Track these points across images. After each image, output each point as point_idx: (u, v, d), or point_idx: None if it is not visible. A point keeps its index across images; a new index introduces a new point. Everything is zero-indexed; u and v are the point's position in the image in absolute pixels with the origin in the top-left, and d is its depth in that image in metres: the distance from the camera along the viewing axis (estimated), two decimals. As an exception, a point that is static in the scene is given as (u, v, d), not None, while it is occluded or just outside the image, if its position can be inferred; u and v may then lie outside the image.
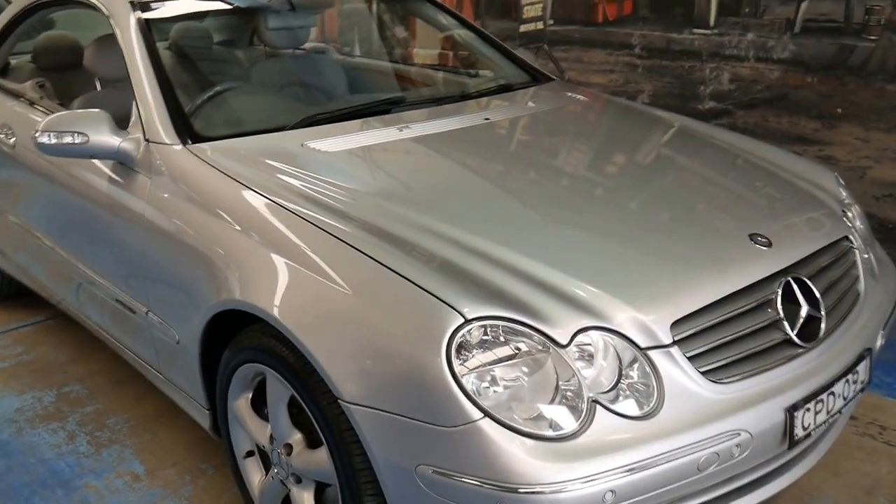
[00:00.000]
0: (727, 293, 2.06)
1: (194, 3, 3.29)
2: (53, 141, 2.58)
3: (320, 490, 2.29)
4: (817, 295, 2.21)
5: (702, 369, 1.97)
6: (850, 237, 2.51)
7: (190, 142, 2.60)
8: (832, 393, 2.15)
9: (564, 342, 1.87)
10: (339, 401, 1.94)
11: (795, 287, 2.18)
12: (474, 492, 1.78)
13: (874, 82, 3.97)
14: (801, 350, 2.13)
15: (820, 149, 4.16)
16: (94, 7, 3.07)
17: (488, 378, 1.83)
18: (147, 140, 2.63)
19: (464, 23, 3.73)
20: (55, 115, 2.64)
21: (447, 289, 1.89)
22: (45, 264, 3.38)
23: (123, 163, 2.67)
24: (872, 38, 3.95)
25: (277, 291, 2.11)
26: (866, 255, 2.56)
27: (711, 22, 4.49)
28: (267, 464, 2.44)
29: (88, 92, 3.42)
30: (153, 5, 3.01)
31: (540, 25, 5.32)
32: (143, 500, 2.73)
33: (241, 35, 3.99)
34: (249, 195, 2.35)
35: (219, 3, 3.42)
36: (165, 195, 2.52)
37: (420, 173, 2.61)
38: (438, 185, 2.49)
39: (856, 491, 2.67)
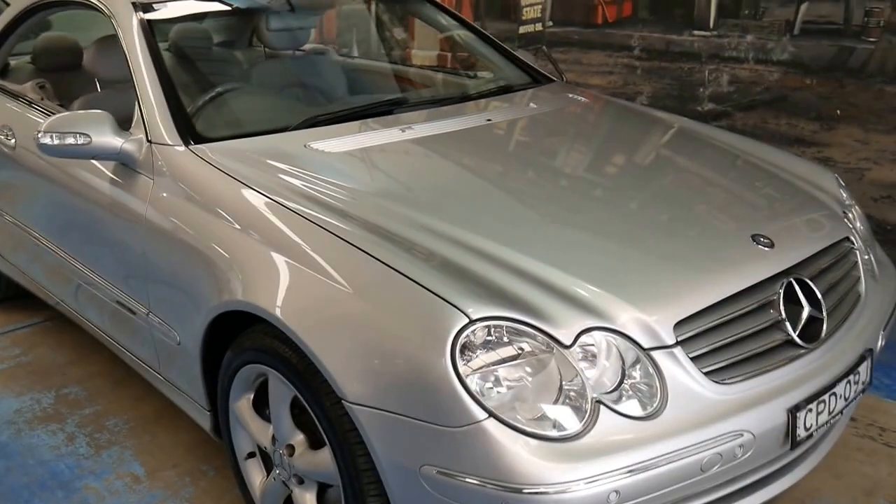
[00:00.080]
0: (730, 294, 2.07)
1: (196, 4, 3.29)
2: (56, 142, 2.57)
3: (322, 491, 2.29)
4: (819, 296, 2.21)
5: (704, 370, 1.97)
6: (851, 238, 2.52)
7: (192, 143, 2.60)
8: (834, 394, 2.15)
9: (568, 342, 1.87)
10: (343, 401, 1.94)
11: (797, 288, 2.18)
12: (478, 492, 1.78)
13: (873, 84, 3.97)
14: (802, 351, 2.14)
15: (819, 150, 4.17)
16: (95, 8, 3.06)
17: (492, 378, 1.83)
18: (149, 141, 2.63)
19: (464, 24, 3.73)
20: (57, 115, 2.63)
21: (451, 289, 1.89)
22: (44, 265, 3.37)
23: (125, 164, 2.67)
24: (872, 39, 3.96)
25: (281, 292, 2.11)
26: (867, 257, 2.57)
27: (711, 24, 4.49)
28: (268, 465, 2.44)
29: (88, 93, 3.42)
30: (155, 6, 3.01)
31: (539, 27, 5.32)
32: (143, 501, 2.73)
33: (241, 36, 3.99)
34: (252, 196, 2.35)
35: (221, 4, 3.42)
36: (167, 196, 2.52)
37: (423, 174, 2.61)
38: (441, 186, 2.50)
39: (856, 492, 2.67)
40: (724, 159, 2.88)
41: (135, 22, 2.89)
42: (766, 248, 2.21)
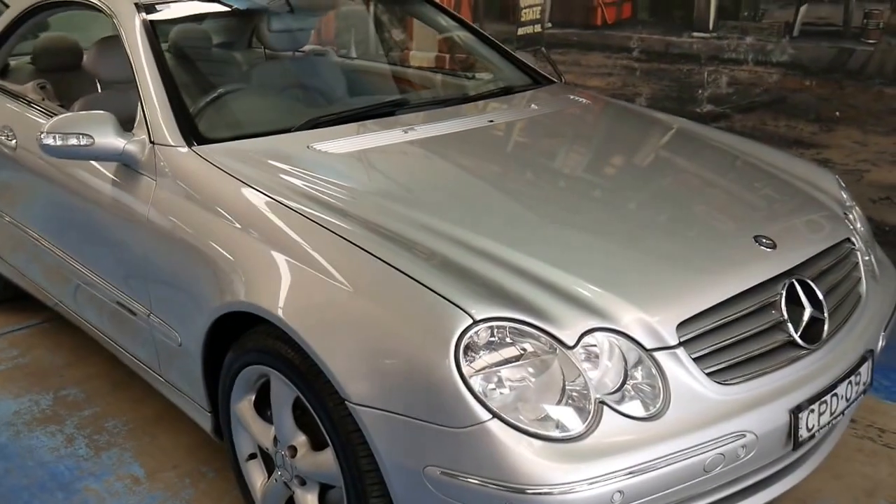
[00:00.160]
0: (732, 294, 2.07)
1: (198, 5, 3.28)
2: (58, 143, 2.57)
3: (323, 492, 2.28)
4: (820, 297, 2.21)
5: (707, 370, 1.97)
6: (852, 239, 2.52)
7: (195, 144, 2.59)
8: (835, 394, 2.16)
9: (571, 343, 1.87)
10: (346, 402, 1.94)
11: (799, 289, 2.19)
12: (482, 493, 1.78)
13: (872, 86, 3.98)
14: (804, 352, 2.14)
15: (818, 152, 4.17)
16: (98, 9, 3.06)
17: (495, 379, 1.83)
18: (152, 142, 2.63)
19: (465, 25, 3.73)
20: (60, 116, 2.63)
21: (455, 290, 1.89)
22: (43, 266, 3.37)
23: (127, 165, 2.67)
24: (871, 41, 3.97)
25: (284, 293, 2.11)
26: (868, 257, 2.57)
27: (710, 25, 4.50)
28: (269, 466, 2.43)
29: (88, 94, 3.42)
30: (158, 7, 3.01)
31: (538, 28, 5.33)
32: (143, 503, 2.72)
33: (241, 37, 3.99)
34: (255, 196, 2.34)
35: (222, 5, 3.41)
36: (170, 197, 2.52)
37: (426, 175, 2.61)
38: (444, 187, 2.50)
39: (856, 493, 2.67)
40: (725, 160, 2.89)
41: (137, 23, 2.88)
42: (768, 249, 2.22)
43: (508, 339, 1.85)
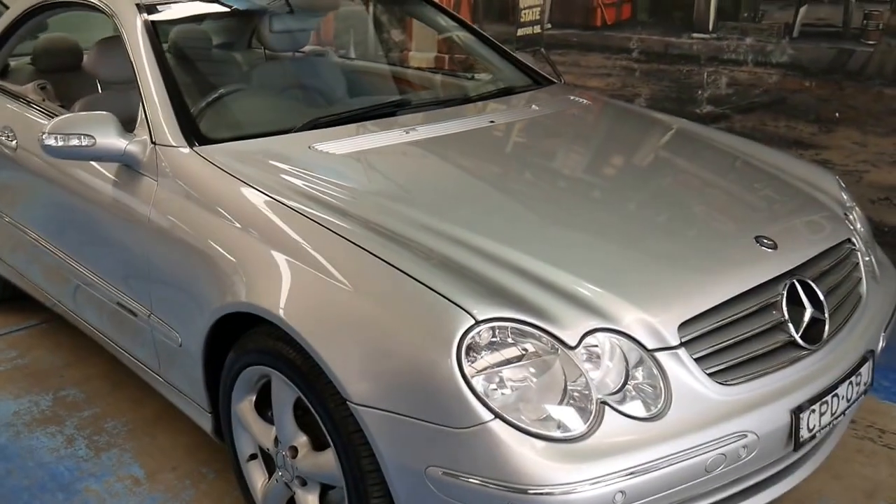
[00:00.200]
0: (733, 295, 2.07)
1: (199, 6, 3.28)
2: (60, 143, 2.57)
3: (324, 492, 2.28)
4: (821, 297, 2.21)
5: (708, 371, 1.97)
6: (853, 240, 2.52)
7: (197, 144, 2.59)
8: (836, 395, 2.16)
9: (573, 344, 1.87)
10: (348, 402, 1.94)
11: (800, 289, 2.19)
12: (484, 493, 1.78)
13: (872, 86, 3.98)
14: (805, 352, 2.14)
15: (817, 153, 4.18)
16: (99, 9, 3.06)
17: (496, 380, 1.83)
18: (153, 143, 2.62)
19: (465, 25, 3.73)
20: (62, 117, 2.63)
21: (457, 290, 1.89)
22: (43, 267, 3.36)
23: (129, 165, 2.66)
24: (871, 42, 3.97)
25: (285, 293, 2.11)
26: (868, 258, 2.57)
27: (710, 26, 4.50)
28: (270, 467, 2.44)
29: (87, 94, 3.41)
30: (159, 7, 3.01)
31: (537, 29, 5.33)
32: (143, 503, 2.72)
33: (240, 38, 3.99)
34: (258, 197, 2.34)
35: (224, 5, 3.41)
36: (172, 198, 2.52)
37: (428, 176, 2.61)
38: (446, 188, 2.50)
39: (856, 494, 2.67)
40: (726, 161, 2.89)
41: (139, 23, 2.88)
42: (769, 250, 2.22)
43: (510, 340, 1.85)
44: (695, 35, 4.57)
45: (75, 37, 3.91)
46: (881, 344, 2.42)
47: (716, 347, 2.01)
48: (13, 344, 3.78)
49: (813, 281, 2.22)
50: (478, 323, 1.82)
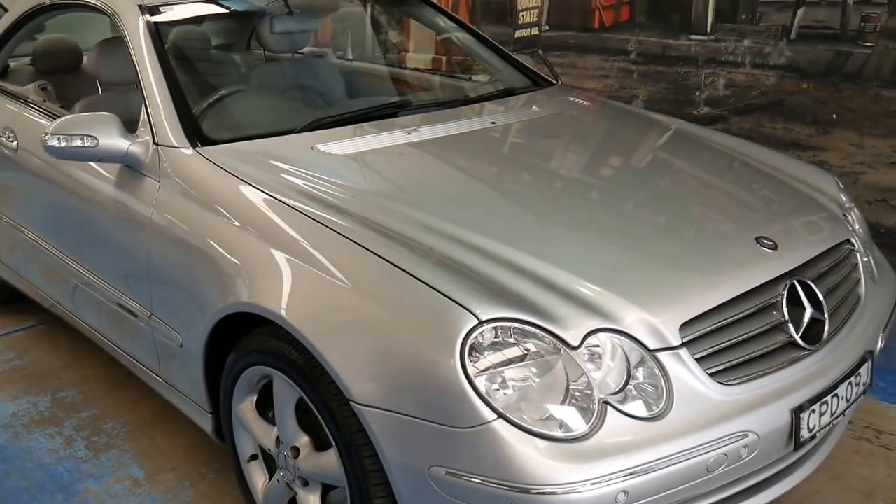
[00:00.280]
0: (734, 295, 2.08)
1: (201, 7, 3.28)
2: (63, 144, 2.57)
3: (325, 492, 2.28)
4: (821, 298, 2.22)
5: (709, 371, 1.98)
6: (852, 240, 2.53)
7: (199, 145, 2.59)
8: (836, 395, 2.17)
9: (576, 344, 1.87)
10: (351, 403, 1.94)
11: (800, 289, 2.20)
12: (487, 492, 1.78)
13: (869, 88, 4.00)
14: (805, 352, 2.15)
15: (814, 154, 4.19)
16: (101, 10, 3.06)
17: (499, 380, 1.83)
18: (156, 143, 2.63)
19: (465, 27, 3.74)
20: (65, 118, 2.63)
21: (460, 290, 1.90)
22: (42, 268, 3.36)
23: (131, 166, 2.66)
24: (868, 44, 3.99)
25: (288, 294, 2.11)
26: (867, 259, 2.58)
27: (708, 28, 4.51)
28: (270, 467, 2.44)
29: (87, 95, 3.41)
30: (161, 9, 3.01)
31: (535, 31, 5.33)
32: (143, 504, 2.73)
33: (239, 39, 4.00)
34: (260, 197, 2.35)
35: (226, 7, 3.41)
36: (174, 198, 2.52)
37: (430, 176, 2.61)
38: (448, 188, 2.50)
39: (855, 494, 2.68)
40: (726, 162, 2.90)
41: (141, 24, 2.88)
42: (770, 250, 2.23)
43: (512, 340, 1.86)
44: (693, 37, 4.58)
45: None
46: (880, 344, 2.43)
47: (717, 348, 2.01)
48: (11, 345, 3.77)
49: (813, 281, 2.23)
50: (481, 323, 1.83)
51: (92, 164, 2.82)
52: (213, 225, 2.38)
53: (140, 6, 2.95)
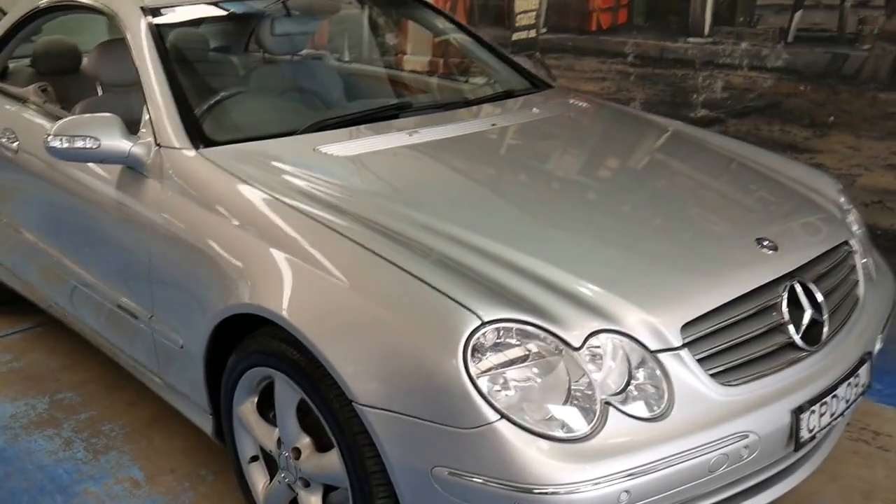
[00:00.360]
0: (735, 296, 2.08)
1: (202, 9, 3.28)
2: (65, 145, 2.57)
3: (326, 492, 2.28)
4: (820, 299, 2.23)
5: (710, 372, 1.98)
6: (851, 242, 2.54)
7: (201, 146, 2.60)
8: (835, 396, 2.17)
9: (577, 345, 1.88)
10: (354, 403, 1.94)
11: (799, 291, 2.20)
12: (490, 492, 1.79)
13: (867, 91, 4.02)
14: (804, 353, 2.16)
15: (811, 156, 4.20)
16: (102, 12, 3.06)
17: (501, 380, 1.84)
18: (158, 144, 2.63)
19: (465, 30, 3.75)
20: (67, 119, 2.63)
21: (463, 291, 1.90)
22: (41, 269, 3.35)
23: (132, 167, 2.66)
24: (865, 47, 4.00)
25: (290, 295, 2.11)
26: (865, 260, 2.59)
27: (706, 31, 4.53)
28: (271, 468, 2.44)
29: (86, 96, 3.41)
30: (163, 11, 3.01)
31: (532, 34, 5.34)
32: (144, 506, 2.73)
33: (238, 41, 4.00)
34: (261, 198, 2.35)
35: (227, 9, 3.41)
36: (175, 199, 2.52)
37: (432, 178, 2.62)
38: (450, 190, 2.51)
39: (853, 495, 2.69)
40: (727, 164, 2.91)
41: (143, 26, 2.89)
42: (770, 252, 2.23)
43: (514, 341, 1.86)
44: (690, 39, 4.60)
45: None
46: (878, 346, 2.44)
47: (717, 348, 2.02)
48: (8, 347, 3.77)
49: (812, 283, 2.24)
50: (484, 324, 1.83)
51: (93, 165, 2.82)
52: (215, 226, 2.38)
53: (142, 8, 2.96)
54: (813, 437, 2.12)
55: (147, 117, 2.69)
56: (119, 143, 2.60)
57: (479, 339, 1.83)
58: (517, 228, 2.26)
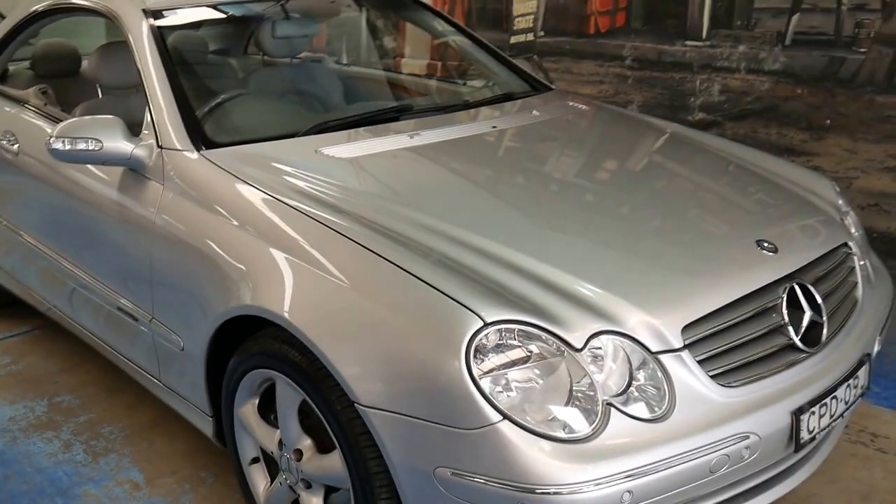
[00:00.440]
0: (735, 298, 2.09)
1: (204, 12, 3.29)
2: (67, 147, 2.57)
3: (327, 493, 2.29)
4: (819, 301, 2.24)
5: (710, 373, 1.99)
6: (849, 244, 2.55)
7: (204, 148, 2.60)
8: (835, 397, 2.18)
9: (579, 346, 1.89)
10: (356, 405, 1.94)
11: (799, 292, 2.21)
12: (493, 493, 1.79)
13: (863, 94, 4.03)
14: (804, 355, 2.16)
15: (808, 159, 4.22)
16: (104, 15, 3.06)
17: (502, 381, 1.84)
18: (160, 146, 2.63)
19: (464, 32, 3.76)
20: (69, 121, 2.63)
21: (466, 292, 1.91)
22: (40, 271, 3.35)
23: (134, 169, 2.67)
24: (862, 50, 4.02)
25: (292, 296, 2.11)
26: (863, 262, 2.60)
27: (704, 34, 4.54)
28: (272, 470, 2.44)
29: (85, 99, 3.41)
30: (165, 13, 3.01)
31: (530, 37, 5.35)
32: (144, 508, 2.72)
33: (238, 43, 4.01)
34: (263, 199, 2.35)
35: (224, 12, 3.42)
36: (178, 201, 2.52)
37: (435, 180, 2.62)
38: (452, 192, 2.52)
39: (852, 497, 2.70)
40: (728, 167, 2.92)
41: (145, 28, 2.89)
42: (770, 253, 2.24)
43: (516, 342, 1.87)
44: (688, 43, 4.61)
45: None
46: (876, 348, 2.45)
47: (718, 350, 2.03)
48: (6, 350, 3.76)
49: (811, 284, 2.25)
50: (486, 325, 1.84)
51: (94, 167, 2.82)
52: (217, 227, 2.38)
53: (144, 10, 2.96)
54: (813, 439, 2.13)
55: (149, 119, 2.70)
56: (121, 144, 2.60)
57: (481, 340, 1.83)
58: (518, 230, 2.27)
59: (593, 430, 1.84)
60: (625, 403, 1.90)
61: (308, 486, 2.27)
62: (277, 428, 2.32)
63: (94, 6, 3.11)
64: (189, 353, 2.49)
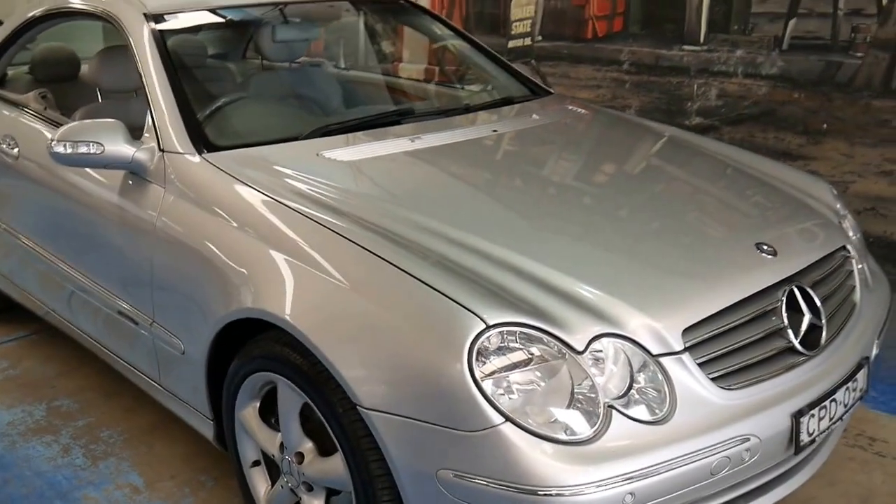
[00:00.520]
0: (735, 300, 2.10)
1: (204, 16, 3.30)
2: (69, 150, 2.57)
3: (328, 495, 2.29)
4: (818, 303, 2.25)
5: (711, 376, 2.00)
6: (847, 247, 2.56)
7: (205, 151, 2.60)
8: (834, 400, 2.19)
9: (581, 348, 1.89)
10: (358, 407, 1.95)
11: (798, 295, 2.22)
12: (495, 494, 1.80)
13: (860, 98, 4.05)
14: (803, 358, 2.17)
15: (805, 164, 4.23)
16: (105, 19, 3.06)
17: (504, 384, 1.85)
18: (162, 150, 2.63)
19: (463, 36, 3.76)
20: (70, 124, 2.64)
21: (468, 295, 1.91)
22: (39, 275, 3.35)
23: (136, 172, 2.67)
24: (858, 54, 4.04)
25: (293, 299, 2.12)
26: (861, 266, 2.61)
27: (701, 38, 4.55)
28: (273, 473, 2.44)
29: (85, 103, 3.42)
30: (166, 17, 3.02)
31: (528, 41, 5.36)
32: (144, 511, 2.72)
33: (237, 48, 4.01)
34: (265, 202, 2.36)
35: (230, 15, 3.43)
36: (179, 204, 2.52)
37: (436, 183, 2.63)
38: (454, 195, 2.53)
39: (851, 500, 2.70)
40: (725, 170, 2.93)
41: (146, 32, 2.89)
42: (770, 256, 2.25)
43: (518, 344, 1.87)
44: (685, 47, 4.62)
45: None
46: (875, 351, 2.46)
47: (718, 353, 2.04)
48: (4, 355, 3.75)
49: (810, 287, 2.26)
50: (488, 327, 1.84)
51: (94, 171, 2.82)
52: (219, 230, 2.39)
53: (145, 14, 2.97)
54: (812, 441, 2.14)
55: (150, 122, 2.70)
56: (123, 148, 2.61)
57: (483, 342, 1.84)
58: (519, 233, 2.27)
59: (595, 432, 1.84)
60: (626, 406, 1.90)
61: (309, 489, 2.27)
62: (279, 431, 2.32)
63: (94, 10, 3.12)
64: (190, 357, 2.49)
